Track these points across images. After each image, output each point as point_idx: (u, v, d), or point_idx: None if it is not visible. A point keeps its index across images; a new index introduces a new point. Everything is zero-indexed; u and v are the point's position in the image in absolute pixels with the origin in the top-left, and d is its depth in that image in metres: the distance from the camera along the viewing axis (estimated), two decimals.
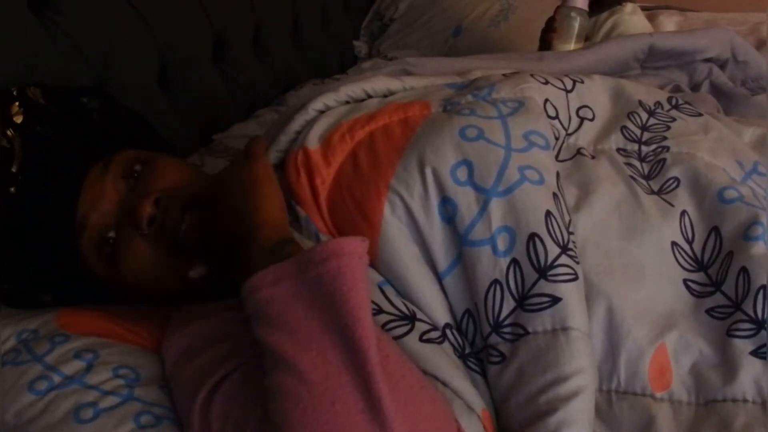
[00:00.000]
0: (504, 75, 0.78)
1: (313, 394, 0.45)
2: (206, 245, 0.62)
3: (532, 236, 0.58)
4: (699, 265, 0.64)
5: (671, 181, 0.69)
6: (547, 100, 0.73)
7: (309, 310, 0.47)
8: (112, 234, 0.63)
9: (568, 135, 0.74)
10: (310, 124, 0.70)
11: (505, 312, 0.58)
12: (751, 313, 0.59)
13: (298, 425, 0.44)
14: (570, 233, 0.61)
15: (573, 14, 1.22)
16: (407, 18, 1.92)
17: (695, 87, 1.09)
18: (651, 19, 1.66)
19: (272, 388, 0.47)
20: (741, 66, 1.12)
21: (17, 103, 0.64)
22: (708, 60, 1.09)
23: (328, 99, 0.73)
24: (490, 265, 0.58)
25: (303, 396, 0.45)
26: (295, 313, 0.47)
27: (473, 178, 0.61)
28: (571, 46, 1.24)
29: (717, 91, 1.08)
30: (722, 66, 1.11)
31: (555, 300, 0.56)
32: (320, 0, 1.80)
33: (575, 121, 0.75)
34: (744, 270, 0.60)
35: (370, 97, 0.76)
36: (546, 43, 1.27)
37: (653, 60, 1.06)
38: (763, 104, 1.06)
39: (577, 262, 0.60)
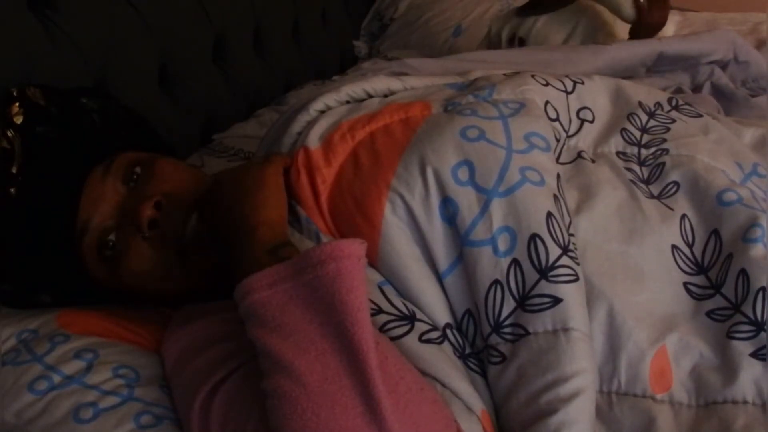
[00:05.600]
0: (505, 74, 0.78)
1: (311, 397, 0.45)
2: (210, 246, 0.62)
3: (533, 237, 0.58)
4: (699, 268, 0.64)
5: (671, 186, 0.68)
6: (547, 102, 0.73)
7: (307, 313, 0.47)
8: (112, 237, 0.63)
9: (569, 137, 0.74)
10: (310, 124, 0.70)
11: (505, 312, 0.58)
12: (751, 315, 0.59)
13: (297, 428, 0.44)
14: (570, 235, 0.61)
15: None
16: (407, 18, 1.92)
17: (697, 88, 1.09)
18: None
19: (270, 391, 0.47)
20: (742, 66, 1.13)
21: (17, 104, 0.64)
22: (711, 62, 1.09)
23: (328, 99, 0.73)
24: (491, 265, 0.58)
25: (301, 399, 0.45)
26: (293, 316, 0.47)
27: (474, 179, 0.61)
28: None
29: (718, 92, 1.08)
30: (724, 67, 1.11)
31: (556, 300, 0.56)
32: (320, 0, 1.80)
33: (575, 123, 0.75)
34: (743, 272, 0.60)
35: (370, 96, 0.76)
36: None
37: (660, 65, 1.06)
38: (764, 105, 1.06)
39: (578, 264, 0.59)
